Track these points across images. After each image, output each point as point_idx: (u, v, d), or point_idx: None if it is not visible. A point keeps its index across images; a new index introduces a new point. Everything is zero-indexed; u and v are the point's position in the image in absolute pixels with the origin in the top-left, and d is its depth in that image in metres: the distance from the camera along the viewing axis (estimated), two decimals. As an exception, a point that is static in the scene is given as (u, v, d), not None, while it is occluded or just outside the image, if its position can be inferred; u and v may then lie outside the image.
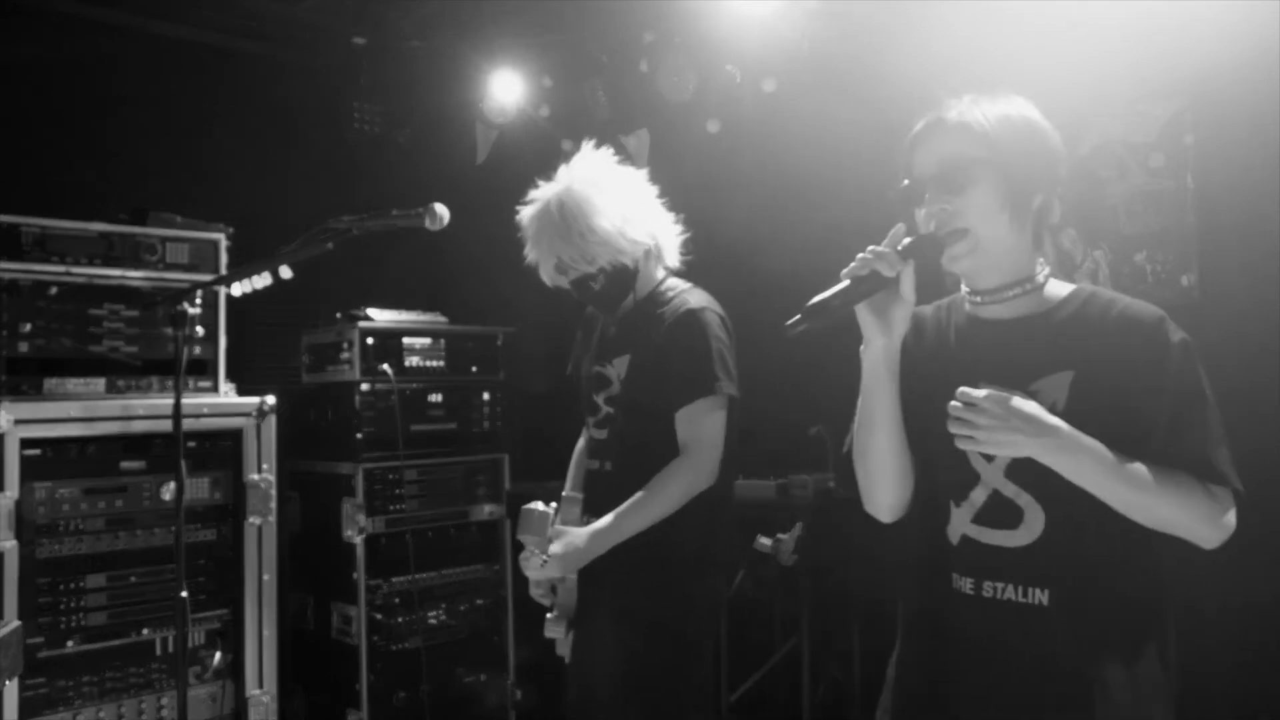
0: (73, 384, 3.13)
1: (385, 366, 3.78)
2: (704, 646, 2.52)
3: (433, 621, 3.89)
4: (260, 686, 3.33)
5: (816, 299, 1.54)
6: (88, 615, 3.09)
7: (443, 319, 4.09)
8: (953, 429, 1.52)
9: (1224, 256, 2.86)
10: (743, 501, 3.50)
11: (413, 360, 3.91)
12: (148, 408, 3.17)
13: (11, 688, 2.83)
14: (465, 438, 4.05)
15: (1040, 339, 1.63)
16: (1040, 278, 1.70)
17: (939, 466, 1.67)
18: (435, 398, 3.97)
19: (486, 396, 4.12)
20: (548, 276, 2.57)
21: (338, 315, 3.89)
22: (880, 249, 1.57)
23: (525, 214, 2.55)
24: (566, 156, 2.63)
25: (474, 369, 4.10)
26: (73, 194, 3.58)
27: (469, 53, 4.28)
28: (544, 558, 2.47)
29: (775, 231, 3.78)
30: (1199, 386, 1.59)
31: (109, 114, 3.89)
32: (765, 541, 3.39)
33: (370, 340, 3.79)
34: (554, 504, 2.59)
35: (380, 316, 3.88)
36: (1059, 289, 1.71)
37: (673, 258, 2.61)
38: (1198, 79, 2.87)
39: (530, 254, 2.56)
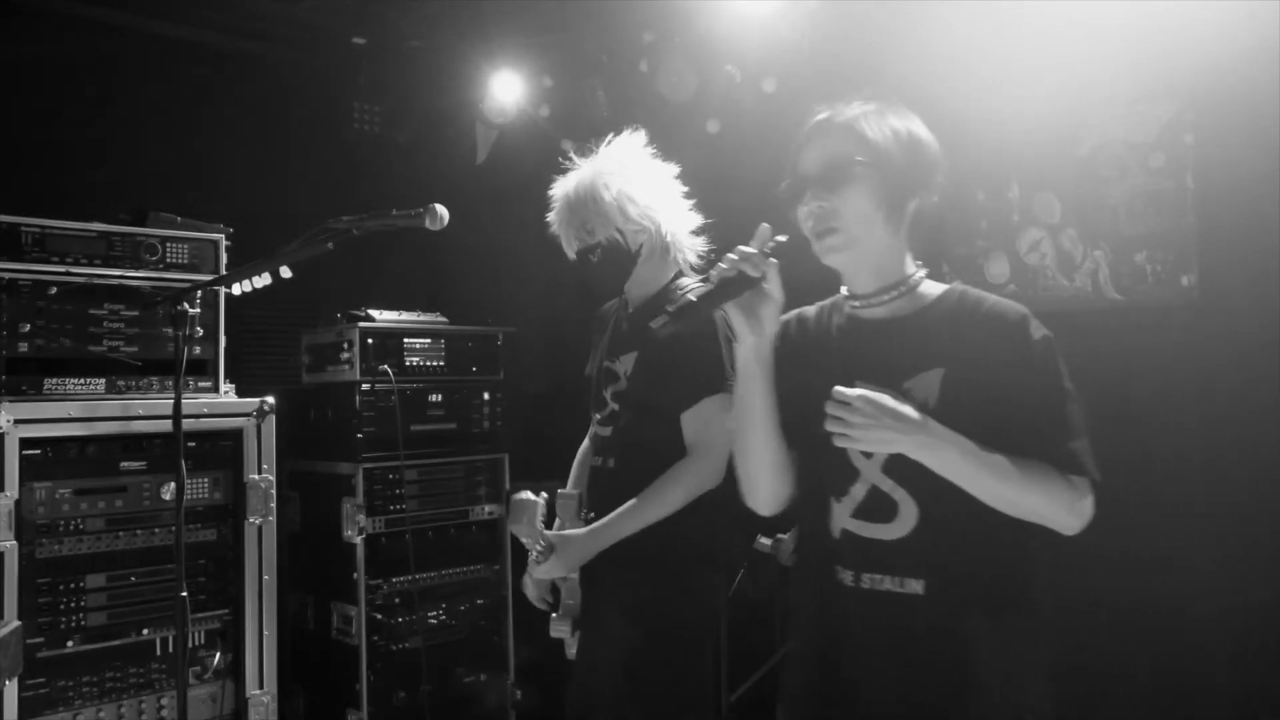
0: (73, 384, 3.13)
1: (385, 366, 3.79)
2: (704, 645, 2.52)
3: (433, 621, 3.89)
4: (260, 686, 3.32)
5: (683, 299, 1.63)
6: (88, 615, 3.09)
7: (443, 319, 4.09)
8: (829, 427, 1.59)
9: (1224, 256, 2.86)
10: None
11: (413, 360, 3.91)
12: (148, 408, 3.17)
13: (11, 688, 2.83)
14: (465, 438, 4.05)
15: (913, 338, 1.71)
16: (914, 279, 1.75)
17: (821, 463, 1.74)
18: (435, 398, 3.97)
19: (486, 396, 4.12)
20: (566, 248, 2.63)
21: (338, 315, 3.89)
22: (746, 250, 1.64)
23: (555, 187, 2.63)
24: (567, 156, 2.64)
25: (474, 369, 4.10)
26: (73, 194, 3.58)
27: (469, 53, 4.28)
28: (539, 546, 2.46)
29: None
30: (1059, 381, 1.66)
31: (109, 114, 3.88)
32: (765, 541, 3.39)
33: (370, 340, 3.79)
34: (544, 494, 2.59)
35: (380, 316, 3.88)
36: (932, 289, 1.76)
37: (689, 256, 2.61)
38: (1198, 79, 2.87)
39: (553, 225, 2.63)
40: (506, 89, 4.26)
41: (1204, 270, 2.89)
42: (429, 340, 3.97)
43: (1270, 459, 2.70)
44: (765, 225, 1.67)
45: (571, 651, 2.62)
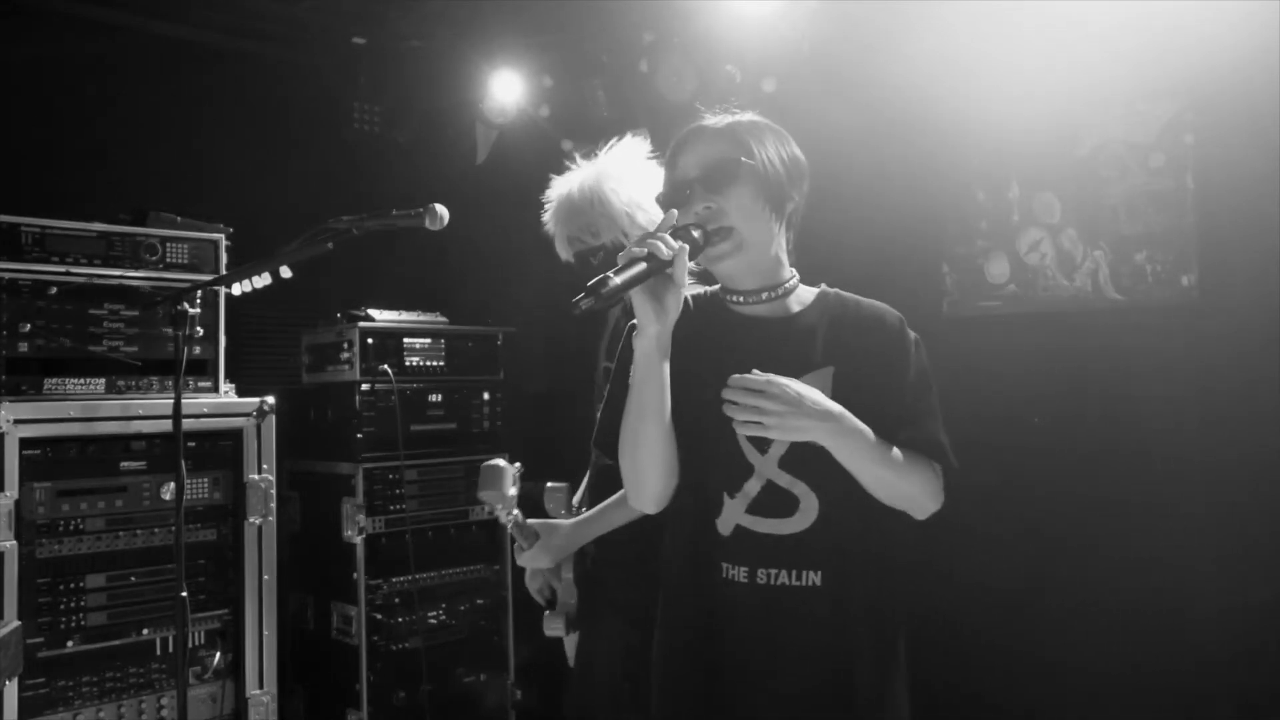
0: (73, 384, 3.13)
1: (385, 366, 3.79)
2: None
3: (433, 621, 3.89)
4: (260, 686, 3.33)
5: (600, 278, 1.56)
6: (88, 615, 3.09)
7: (443, 319, 4.09)
8: (737, 415, 1.60)
9: (1224, 256, 2.86)
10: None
11: (413, 360, 3.92)
12: (148, 408, 3.17)
13: (11, 688, 2.83)
14: (465, 438, 4.05)
15: (800, 337, 1.75)
16: (791, 282, 1.79)
17: (708, 459, 1.73)
18: (435, 398, 3.97)
19: (486, 396, 4.12)
20: (560, 249, 2.60)
21: (338, 315, 3.89)
22: (658, 233, 1.62)
23: (553, 186, 2.60)
24: (570, 156, 2.64)
25: (474, 369, 4.10)
26: (73, 194, 3.59)
27: (469, 53, 4.28)
28: (512, 513, 2.44)
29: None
30: (928, 378, 1.78)
31: (109, 114, 3.88)
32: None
33: (370, 340, 3.79)
34: (518, 464, 2.57)
35: (380, 316, 3.88)
36: (807, 293, 1.82)
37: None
38: (1198, 79, 2.87)
39: (548, 224, 2.59)
40: (506, 89, 4.26)
41: (1204, 270, 2.89)
42: (429, 340, 3.97)
43: (1270, 459, 2.69)
44: (673, 210, 1.68)
45: (570, 650, 2.61)
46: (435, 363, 3.99)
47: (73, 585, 3.07)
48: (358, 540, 3.70)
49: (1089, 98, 3.08)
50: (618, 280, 1.55)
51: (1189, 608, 2.82)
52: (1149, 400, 2.90)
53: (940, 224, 3.41)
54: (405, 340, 3.90)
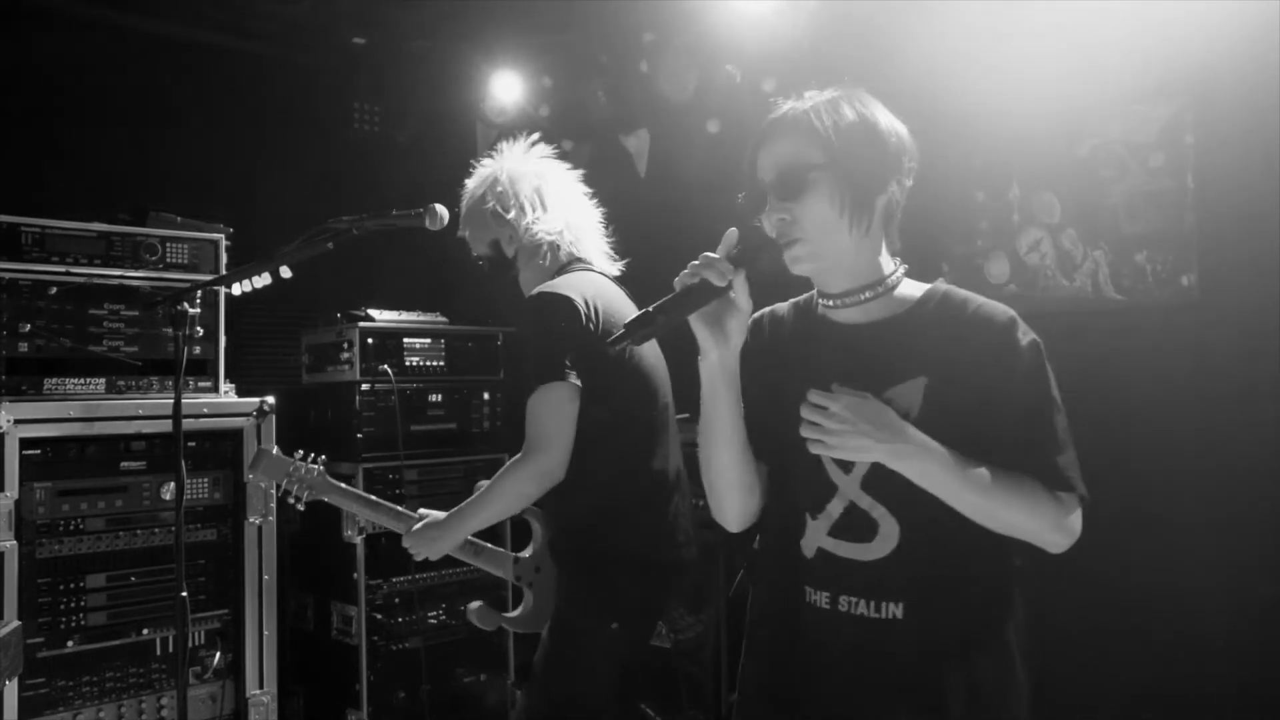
0: (73, 384, 3.13)
1: (385, 366, 3.78)
2: (592, 652, 2.43)
3: (433, 621, 3.89)
4: (260, 686, 3.32)
5: (642, 312, 1.48)
6: (88, 615, 3.09)
7: (443, 319, 4.08)
8: (804, 432, 1.49)
9: (1224, 256, 2.86)
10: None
11: (413, 360, 3.91)
12: (148, 408, 3.17)
13: (11, 688, 2.83)
14: (465, 438, 4.05)
15: (893, 345, 1.59)
16: (892, 279, 1.64)
17: (795, 477, 1.64)
18: (435, 398, 3.97)
19: (486, 396, 4.12)
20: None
21: (338, 315, 3.89)
22: (712, 256, 1.51)
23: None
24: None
25: (474, 369, 4.10)
26: (73, 194, 3.59)
27: (469, 53, 4.28)
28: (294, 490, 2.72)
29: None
30: (1047, 390, 1.56)
31: (109, 114, 3.89)
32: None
33: (370, 340, 3.79)
34: (299, 452, 2.76)
35: (380, 316, 3.88)
36: (912, 290, 1.65)
37: (554, 255, 2.59)
38: (1198, 79, 2.87)
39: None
40: (506, 89, 4.26)
41: (1204, 270, 2.89)
42: (429, 340, 3.97)
43: (1270, 459, 2.70)
44: (733, 230, 1.55)
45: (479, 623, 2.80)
46: (435, 363, 3.98)
47: (73, 585, 3.07)
48: (358, 540, 3.69)
49: (1089, 98, 3.08)
50: (660, 312, 1.48)
51: (1189, 608, 2.82)
52: (1149, 400, 2.90)
53: (940, 224, 3.41)
54: (405, 340, 3.90)
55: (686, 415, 3.37)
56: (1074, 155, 3.13)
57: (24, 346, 3.06)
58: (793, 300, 1.76)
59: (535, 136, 2.70)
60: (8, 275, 3.04)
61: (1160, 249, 2.97)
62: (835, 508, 1.59)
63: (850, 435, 1.46)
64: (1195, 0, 2.80)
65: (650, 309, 1.48)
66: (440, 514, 2.59)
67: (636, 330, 1.47)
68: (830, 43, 3.46)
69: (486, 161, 2.68)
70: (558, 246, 2.57)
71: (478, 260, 2.69)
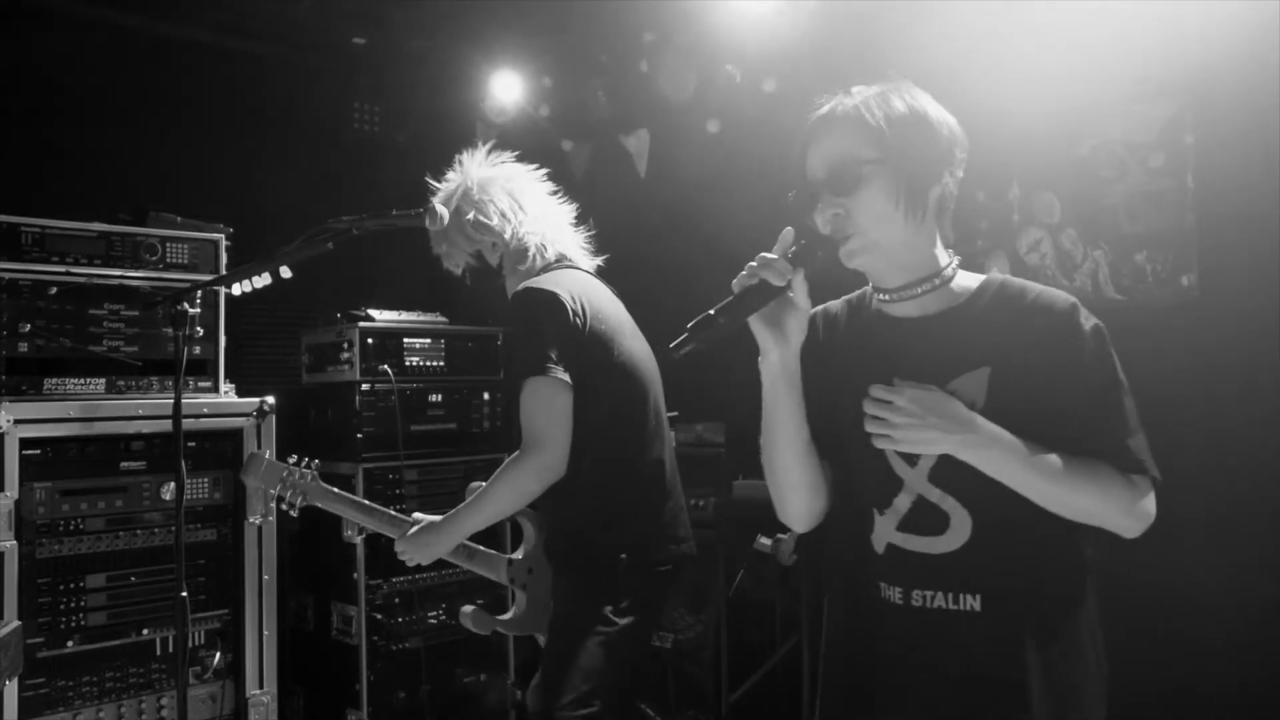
0: (73, 384, 3.13)
1: (385, 366, 3.79)
2: (594, 642, 2.41)
3: (433, 621, 3.89)
4: (260, 686, 3.32)
5: (703, 315, 1.48)
6: (88, 615, 3.09)
7: (443, 319, 4.09)
8: (869, 428, 1.51)
9: (1224, 256, 2.86)
10: (743, 502, 3.52)
11: (413, 360, 3.91)
12: (148, 408, 3.17)
13: (11, 688, 2.83)
14: (465, 438, 4.05)
15: (954, 336, 1.59)
16: (948, 271, 1.63)
17: (859, 473, 1.64)
18: (435, 398, 3.97)
19: (486, 396, 4.12)
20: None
21: (338, 315, 3.89)
22: (769, 256, 1.52)
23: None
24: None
25: (474, 369, 4.10)
26: (73, 194, 3.59)
27: (469, 53, 4.28)
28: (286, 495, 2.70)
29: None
30: (1113, 374, 1.57)
31: (109, 114, 3.89)
32: (765, 541, 3.39)
33: (370, 340, 3.79)
34: (294, 457, 2.74)
35: (380, 316, 3.88)
36: (969, 281, 1.64)
37: (542, 256, 2.58)
38: (1198, 79, 2.87)
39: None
40: (506, 89, 4.26)
41: (1204, 270, 2.89)
42: (429, 340, 3.97)
43: (1271, 459, 2.70)
44: (789, 229, 1.54)
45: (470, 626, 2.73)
46: (435, 363, 3.98)
47: (73, 585, 3.07)
48: (358, 540, 3.69)
49: (1089, 98, 3.08)
50: (721, 314, 1.48)
51: (1190, 607, 2.82)
52: (1149, 400, 2.86)
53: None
54: (405, 340, 3.90)
55: (676, 414, 3.39)
56: (1074, 155, 3.13)
57: (24, 346, 3.06)
58: (845, 297, 1.76)
59: (491, 143, 2.69)
60: (8, 275, 3.04)
61: (1160, 249, 2.97)
62: (903, 502, 1.59)
63: (918, 428, 1.47)
64: (1195, 0, 2.80)
65: (711, 312, 1.48)
66: (434, 517, 2.58)
67: (699, 333, 1.48)
68: (830, 43, 3.46)
69: (450, 176, 2.65)
70: (544, 247, 2.58)
71: (461, 275, 2.68)
